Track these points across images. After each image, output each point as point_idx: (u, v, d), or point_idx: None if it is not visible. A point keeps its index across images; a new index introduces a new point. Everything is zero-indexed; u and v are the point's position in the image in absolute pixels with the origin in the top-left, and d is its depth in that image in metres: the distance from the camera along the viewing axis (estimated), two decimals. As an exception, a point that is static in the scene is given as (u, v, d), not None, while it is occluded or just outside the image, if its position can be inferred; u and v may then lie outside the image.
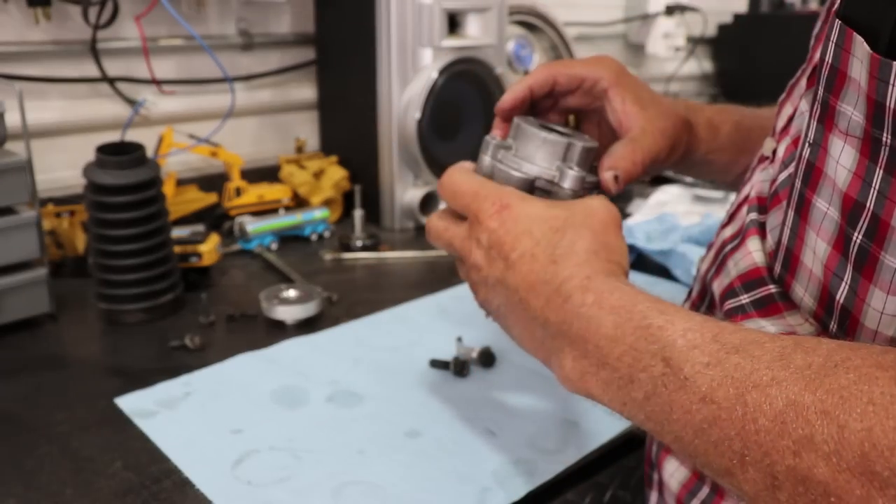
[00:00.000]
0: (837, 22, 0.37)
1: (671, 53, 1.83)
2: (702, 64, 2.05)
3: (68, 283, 0.93)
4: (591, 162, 0.54)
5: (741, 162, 0.65)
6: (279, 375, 0.72)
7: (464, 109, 1.18)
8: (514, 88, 0.59)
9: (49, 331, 0.82)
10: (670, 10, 1.79)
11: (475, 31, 1.19)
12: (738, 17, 1.99)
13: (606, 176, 0.54)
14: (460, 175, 0.53)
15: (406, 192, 1.19)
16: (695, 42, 1.94)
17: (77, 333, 0.83)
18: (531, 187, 0.52)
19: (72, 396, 0.69)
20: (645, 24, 1.81)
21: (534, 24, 1.50)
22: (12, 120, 0.80)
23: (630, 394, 0.40)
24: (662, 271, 0.99)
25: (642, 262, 1.02)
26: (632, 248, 1.02)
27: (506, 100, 0.59)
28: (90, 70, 1.09)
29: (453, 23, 1.17)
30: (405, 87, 1.14)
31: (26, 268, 0.81)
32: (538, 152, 0.52)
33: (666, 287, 0.95)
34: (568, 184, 0.51)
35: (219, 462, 0.59)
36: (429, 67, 1.13)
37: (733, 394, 0.34)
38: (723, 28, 2.01)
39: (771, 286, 0.46)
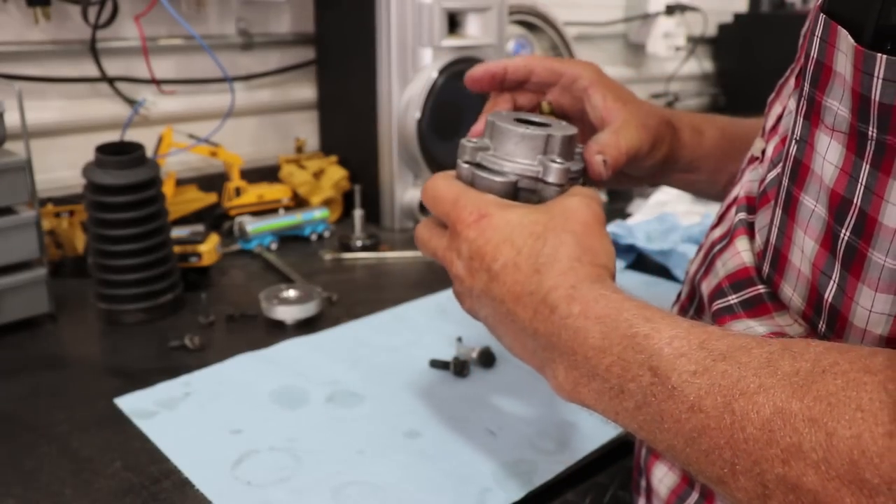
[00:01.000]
0: (822, 16, 0.37)
1: (671, 53, 1.83)
2: (702, 64, 2.05)
3: (68, 283, 0.93)
4: (573, 150, 0.53)
5: (727, 170, 0.65)
6: (279, 375, 0.72)
7: (464, 109, 1.18)
8: (488, 63, 0.59)
9: (48, 331, 0.82)
10: (670, 10, 1.78)
11: (475, 31, 1.19)
12: (738, 17, 1.99)
13: (596, 159, 0.54)
14: (441, 182, 0.52)
15: (406, 192, 1.19)
16: (695, 42, 1.93)
17: (76, 333, 0.83)
18: (514, 188, 0.51)
19: (71, 396, 0.69)
20: (645, 24, 1.81)
21: (534, 23, 1.50)
22: (12, 120, 0.80)
23: (621, 404, 0.40)
24: (662, 271, 0.99)
25: (642, 262, 1.02)
26: (632, 248, 1.02)
27: (477, 69, 0.59)
28: (90, 70, 1.09)
29: (453, 22, 1.17)
30: (405, 86, 1.14)
31: (26, 268, 0.81)
32: (517, 149, 0.51)
33: (666, 287, 0.95)
34: (553, 178, 0.50)
35: (218, 462, 0.59)
36: (429, 67, 1.13)
37: (721, 402, 0.34)
38: (723, 28, 2.01)
39: (759, 286, 0.45)
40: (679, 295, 0.60)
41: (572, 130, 0.52)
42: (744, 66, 1.96)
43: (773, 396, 0.32)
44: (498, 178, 0.50)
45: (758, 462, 0.32)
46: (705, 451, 0.35)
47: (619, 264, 1.02)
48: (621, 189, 0.66)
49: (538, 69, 0.59)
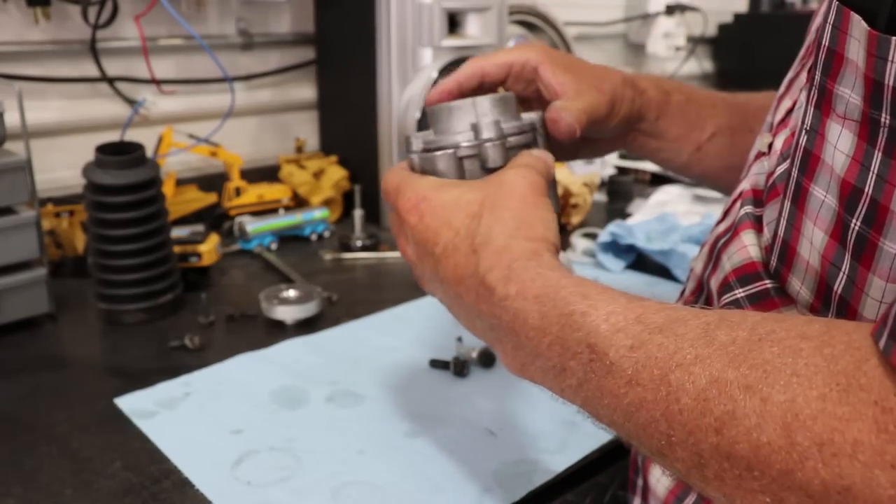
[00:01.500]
0: (834, 3, 0.37)
1: (671, 53, 1.83)
2: (702, 64, 2.05)
3: (68, 283, 0.93)
4: (510, 111, 0.53)
5: (691, 139, 0.65)
6: (279, 375, 0.72)
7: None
8: (441, 84, 0.59)
9: (49, 331, 0.82)
10: (670, 10, 1.78)
11: (475, 31, 1.18)
12: (738, 17, 1.99)
13: (560, 114, 0.54)
14: (388, 174, 0.53)
15: (406, 191, 1.19)
16: (695, 42, 1.93)
17: (76, 333, 0.83)
18: (457, 161, 0.51)
19: (71, 396, 0.69)
20: (645, 24, 1.81)
21: (534, 23, 1.50)
22: (12, 120, 0.80)
23: (564, 381, 0.40)
24: (662, 271, 0.99)
25: (642, 262, 1.02)
26: (632, 248, 1.02)
27: (432, 95, 0.59)
28: (90, 70, 1.09)
29: (453, 22, 1.17)
30: (405, 86, 1.14)
31: (26, 268, 0.81)
32: (451, 122, 0.52)
33: (666, 287, 0.95)
34: (486, 133, 0.50)
35: (218, 462, 0.59)
36: (429, 67, 1.13)
37: (657, 375, 0.34)
38: (723, 28, 2.01)
39: (766, 281, 0.45)
40: (683, 292, 0.60)
41: (505, 94, 0.53)
42: (744, 66, 1.96)
43: (708, 366, 0.33)
44: (438, 153, 0.51)
45: (692, 432, 0.32)
46: (643, 425, 0.35)
47: (619, 264, 1.02)
48: (591, 157, 0.66)
49: (489, 69, 0.59)
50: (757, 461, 0.30)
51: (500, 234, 0.45)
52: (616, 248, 1.03)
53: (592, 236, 1.09)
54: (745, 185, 0.51)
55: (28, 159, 0.79)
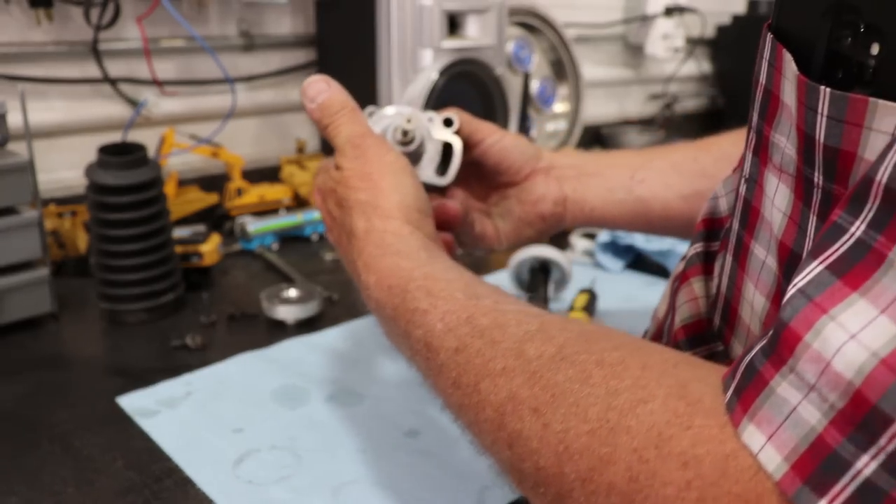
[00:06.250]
0: (769, 36, 0.32)
1: (670, 54, 1.83)
2: (701, 65, 2.05)
3: (70, 282, 0.94)
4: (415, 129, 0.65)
5: (620, 173, 0.67)
6: (280, 375, 0.73)
7: (464, 110, 1.18)
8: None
9: (51, 330, 0.83)
10: (669, 12, 1.79)
11: (475, 32, 1.19)
12: (736, 19, 1.99)
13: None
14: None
15: (406, 192, 1.19)
16: (694, 43, 1.94)
17: (79, 333, 0.83)
18: None
19: (73, 396, 0.69)
20: (644, 25, 1.81)
21: (533, 25, 1.50)
22: (14, 120, 0.80)
23: (417, 369, 0.43)
24: (661, 271, 0.99)
25: (642, 262, 1.02)
26: (630, 248, 1.02)
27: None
28: (92, 71, 1.10)
29: (453, 24, 1.17)
30: (405, 87, 1.14)
31: (28, 268, 0.81)
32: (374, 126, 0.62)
33: (664, 287, 0.95)
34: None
35: (220, 461, 0.59)
36: (429, 68, 1.13)
37: (473, 381, 0.36)
38: (722, 29, 2.01)
39: (714, 344, 0.41)
40: (645, 333, 0.56)
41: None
42: (742, 67, 1.96)
43: (510, 381, 0.34)
44: None
45: (494, 443, 0.34)
46: (468, 425, 0.37)
47: (618, 264, 1.02)
48: (551, 231, 0.68)
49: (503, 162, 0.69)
50: (539, 481, 0.31)
51: (359, 219, 0.50)
52: (615, 247, 1.03)
53: (592, 236, 1.09)
54: (701, 213, 0.46)
55: (31, 160, 0.79)
